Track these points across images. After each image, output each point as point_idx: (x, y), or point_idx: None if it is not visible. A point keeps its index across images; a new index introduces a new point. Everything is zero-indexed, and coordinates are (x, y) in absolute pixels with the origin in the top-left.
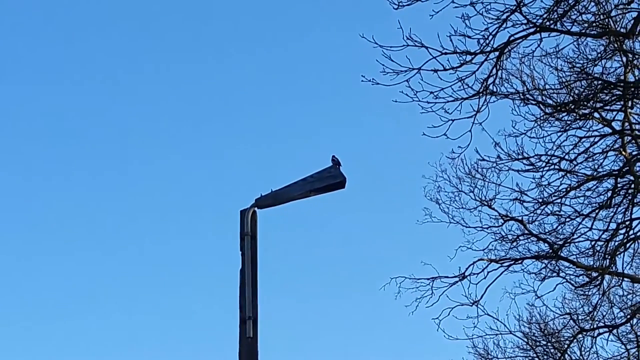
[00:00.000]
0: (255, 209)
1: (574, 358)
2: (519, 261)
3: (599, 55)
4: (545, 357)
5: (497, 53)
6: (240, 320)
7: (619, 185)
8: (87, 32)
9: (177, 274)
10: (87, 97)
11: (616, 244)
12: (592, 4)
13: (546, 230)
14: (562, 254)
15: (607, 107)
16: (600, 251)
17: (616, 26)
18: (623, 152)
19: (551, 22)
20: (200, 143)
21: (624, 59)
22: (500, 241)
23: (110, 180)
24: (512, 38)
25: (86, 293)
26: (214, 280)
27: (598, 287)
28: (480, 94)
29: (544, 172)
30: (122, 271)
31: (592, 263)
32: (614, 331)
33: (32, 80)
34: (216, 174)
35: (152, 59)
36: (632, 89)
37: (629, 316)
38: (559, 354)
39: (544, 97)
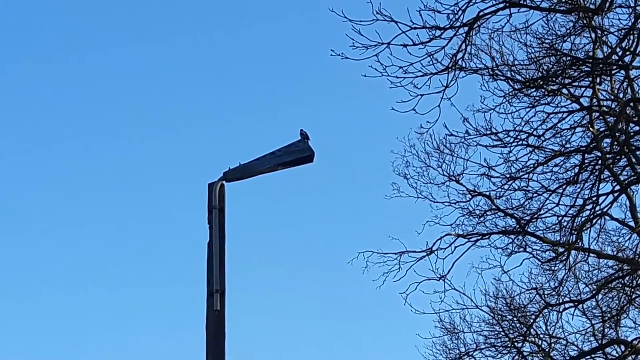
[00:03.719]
0: (224, 182)
1: (539, 332)
2: (486, 236)
3: (568, 31)
4: (511, 331)
5: (466, 28)
6: (208, 293)
7: (586, 161)
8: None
9: (145, 246)
10: (50, 74)
11: (583, 219)
12: None
13: (513, 206)
14: (529, 229)
15: (576, 84)
16: (567, 227)
17: (585, 2)
18: (591, 129)
19: None
20: (168, 116)
21: (593, 35)
22: (467, 216)
23: (77, 154)
24: (481, 13)
25: (54, 266)
26: (182, 253)
27: (564, 262)
28: (449, 69)
29: (512, 148)
30: (88, 243)
31: (558, 238)
32: (580, 306)
33: None
34: (184, 147)
35: (121, 34)
36: (601, 66)
37: (594, 291)
38: (524, 329)
39: (512, 73)
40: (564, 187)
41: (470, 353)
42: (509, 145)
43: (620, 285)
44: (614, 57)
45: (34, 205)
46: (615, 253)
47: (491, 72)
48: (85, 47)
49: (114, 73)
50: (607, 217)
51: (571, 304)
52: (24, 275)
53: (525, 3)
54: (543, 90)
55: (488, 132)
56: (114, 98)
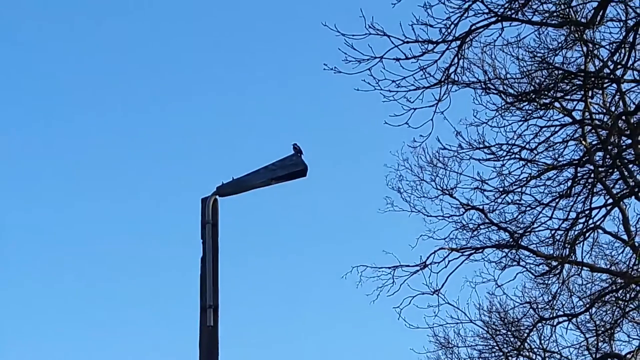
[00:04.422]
0: (217, 197)
1: (533, 347)
2: (480, 250)
3: (560, 45)
4: (505, 345)
5: (458, 42)
6: (201, 308)
7: (578, 174)
8: None
9: (137, 262)
10: (45, 78)
11: (576, 233)
12: None
13: (507, 219)
14: (522, 243)
15: (568, 97)
16: (560, 240)
17: (577, 16)
18: (583, 142)
19: (512, 11)
20: (161, 130)
21: (585, 48)
22: (461, 230)
23: (73, 164)
24: (473, 27)
25: (46, 280)
26: (175, 268)
27: (558, 276)
28: (442, 83)
29: (504, 161)
30: (81, 258)
31: (552, 252)
32: (573, 320)
33: None
34: (177, 162)
35: (114, 45)
36: (592, 79)
37: (588, 305)
38: (518, 343)
39: (505, 87)
40: (557, 200)
41: None
42: (502, 158)
43: (614, 299)
44: (606, 70)
45: (31, 213)
46: (608, 266)
47: (484, 86)
48: (83, 49)
49: (108, 82)
50: (600, 231)
51: (565, 318)
52: (24, 281)
53: (517, 17)
54: (535, 103)
55: (481, 145)
56: (107, 112)
